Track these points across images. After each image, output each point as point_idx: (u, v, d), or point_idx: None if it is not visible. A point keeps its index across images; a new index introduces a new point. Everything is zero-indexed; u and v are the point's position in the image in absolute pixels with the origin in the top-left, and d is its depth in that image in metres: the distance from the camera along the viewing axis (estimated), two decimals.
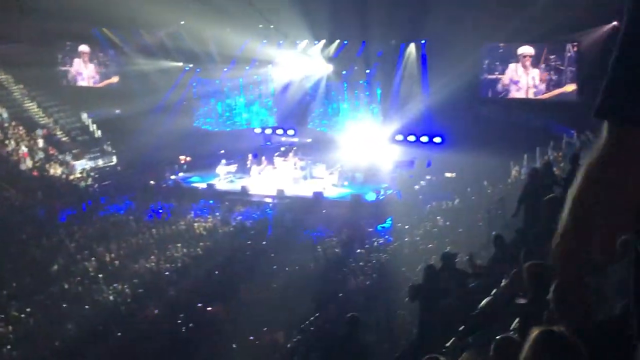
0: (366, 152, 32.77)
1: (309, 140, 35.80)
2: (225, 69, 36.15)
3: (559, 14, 24.55)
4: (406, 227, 25.76)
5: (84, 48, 38.93)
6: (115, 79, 38.52)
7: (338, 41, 33.32)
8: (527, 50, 29.21)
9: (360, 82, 33.53)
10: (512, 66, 29.64)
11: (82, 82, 39.32)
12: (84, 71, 39.33)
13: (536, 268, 3.95)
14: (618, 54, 1.63)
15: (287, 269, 22.05)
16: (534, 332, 2.81)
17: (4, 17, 34.19)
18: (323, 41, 33.72)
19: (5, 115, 36.50)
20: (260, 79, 35.99)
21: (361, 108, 33.79)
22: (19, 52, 34.64)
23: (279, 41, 34.80)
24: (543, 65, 29.02)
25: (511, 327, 6.94)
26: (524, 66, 29.38)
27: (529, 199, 11.80)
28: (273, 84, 35.98)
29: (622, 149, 1.62)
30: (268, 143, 36.84)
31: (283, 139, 36.61)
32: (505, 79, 29.91)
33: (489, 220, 19.83)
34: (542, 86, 29.20)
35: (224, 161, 33.65)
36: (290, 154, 33.16)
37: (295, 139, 36.10)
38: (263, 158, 33.55)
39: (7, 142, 34.85)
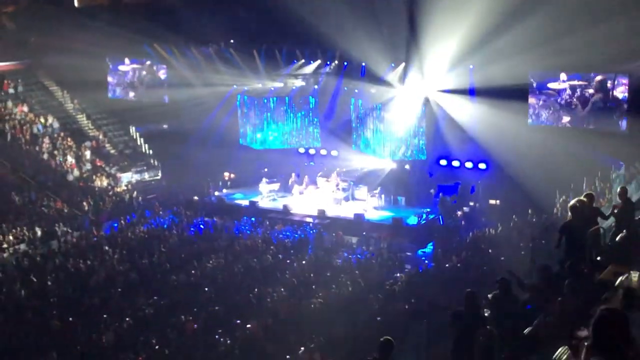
0: (410, 175, 32.62)
1: (353, 162, 35.77)
2: (272, 88, 36.41)
3: (611, 43, 24.24)
4: (447, 252, 25.52)
5: (135, 63, 39.52)
6: (164, 95, 38.99)
7: (385, 64, 33.26)
8: (577, 78, 28.88)
9: (407, 105, 33.39)
10: (563, 95, 29.29)
11: (132, 97, 39.89)
12: (134, 86, 39.92)
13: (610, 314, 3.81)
14: None
15: (325, 290, 21.97)
16: None
17: (57, 29, 35.01)
18: (370, 62, 33.69)
19: (56, 125, 37.25)
20: (307, 99, 36.13)
21: (406, 131, 33.63)
22: (71, 64, 35.35)
23: (326, 62, 34.96)
24: (594, 95, 28.62)
25: (553, 358, 6.83)
26: (576, 95, 29.01)
27: (570, 231, 11.61)
28: (319, 104, 36.08)
29: None
30: (312, 163, 36.92)
31: (326, 159, 36.66)
32: (555, 107, 29.56)
33: (532, 250, 19.54)
34: (593, 117, 28.79)
35: (266, 179, 33.82)
36: (333, 175, 33.18)
37: (339, 160, 36.11)
38: (306, 177, 33.63)
39: (55, 152, 35.52)
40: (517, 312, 10.58)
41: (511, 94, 28.28)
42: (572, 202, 11.88)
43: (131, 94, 40.05)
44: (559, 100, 29.50)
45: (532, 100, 29.93)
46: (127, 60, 39.77)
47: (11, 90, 38.25)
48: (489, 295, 11.31)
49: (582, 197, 12.16)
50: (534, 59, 27.82)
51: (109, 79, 40.05)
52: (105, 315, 20.54)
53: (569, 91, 29.29)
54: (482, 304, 10.97)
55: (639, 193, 18.95)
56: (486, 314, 11.15)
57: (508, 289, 10.90)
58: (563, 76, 29.23)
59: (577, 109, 29.08)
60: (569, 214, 11.96)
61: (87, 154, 36.35)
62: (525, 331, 8.68)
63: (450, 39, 28.63)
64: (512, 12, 25.67)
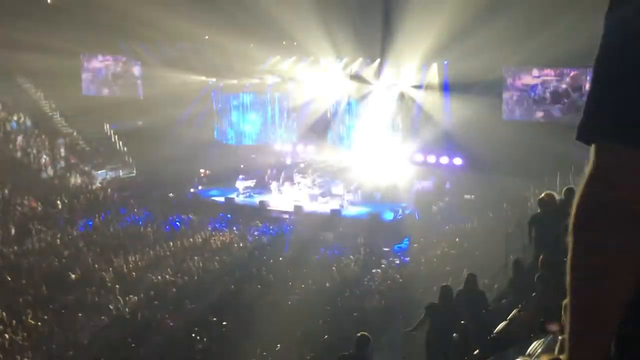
0: (385, 171, 32.71)
1: (329, 157, 35.83)
2: (247, 84, 36.32)
3: (581, 37, 24.43)
4: (423, 247, 25.67)
5: (109, 59, 39.21)
6: (138, 91, 38.77)
7: (360, 59, 33.38)
8: (550, 73, 29.09)
9: (382, 100, 33.49)
10: (537, 90, 29.50)
11: (106, 93, 39.58)
12: (108, 82, 39.61)
13: None
14: (595, 71, 1.55)
15: (302, 285, 22.01)
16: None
17: (29, 25, 34.64)
18: (345, 59, 33.81)
19: (28, 123, 36.90)
20: (282, 95, 36.11)
21: (382, 127, 33.72)
22: (44, 61, 35.03)
23: (301, 58, 34.99)
24: (566, 89, 28.87)
25: (527, 352, 6.90)
26: (549, 90, 29.24)
27: (540, 225, 11.69)
28: (294, 100, 36.09)
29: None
30: (287, 159, 36.91)
31: (302, 155, 36.67)
32: (528, 100, 29.79)
33: (507, 244, 19.68)
34: (565, 110, 29.04)
35: (242, 176, 33.75)
36: (309, 171, 33.17)
37: (315, 156, 36.15)
38: (282, 174, 33.60)
39: (29, 150, 35.19)
40: (485, 307, 10.69)
41: (485, 89, 28.49)
42: (541, 195, 11.97)
43: (105, 91, 39.74)
44: (532, 95, 29.74)
45: (506, 95, 30.15)
46: (100, 57, 39.48)
47: None
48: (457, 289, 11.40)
49: (550, 192, 12.21)
50: (508, 54, 28.05)
51: (83, 75, 39.72)
52: (80, 314, 20.40)
53: (541, 86, 29.53)
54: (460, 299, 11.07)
55: None
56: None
57: (474, 285, 11.01)
58: (535, 71, 29.47)
59: (550, 104, 29.34)
60: (538, 207, 12.07)
61: (62, 151, 36.04)
62: (500, 326, 8.76)
63: (424, 34, 28.76)
64: (487, 7, 25.81)
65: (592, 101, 1.53)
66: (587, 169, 1.55)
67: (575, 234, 1.50)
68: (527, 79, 29.84)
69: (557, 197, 11.74)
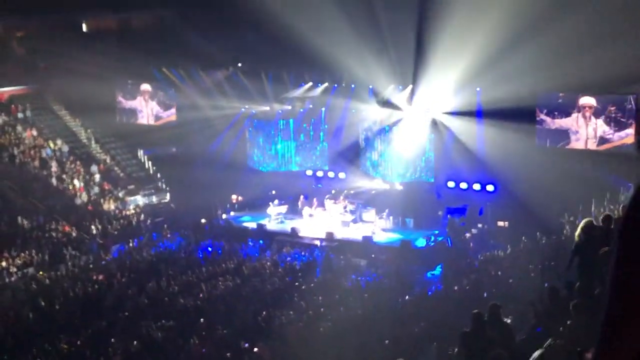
0: (417, 197, 32.56)
1: (360, 184, 35.79)
2: (279, 111, 36.53)
3: (619, 65, 24.26)
4: (456, 275, 25.43)
5: (145, 87, 39.65)
6: (173, 118, 39.16)
7: (392, 85, 33.39)
8: (588, 101, 28.84)
9: (414, 127, 33.41)
10: (573, 116, 29.27)
11: (141, 120, 40.03)
12: (143, 109, 40.04)
13: None
14: None
15: (334, 312, 21.88)
16: None
17: (65, 54, 35.28)
18: (378, 85, 33.82)
19: (64, 149, 37.40)
20: (315, 122, 36.23)
21: (414, 153, 33.61)
22: (79, 88, 35.63)
23: (334, 84, 35.14)
24: (603, 117, 28.61)
25: None
26: (585, 117, 28.99)
27: (583, 252, 11.53)
28: (326, 127, 36.18)
29: None
30: (319, 185, 36.94)
31: (334, 181, 36.67)
32: (565, 128, 29.54)
33: (543, 272, 19.47)
34: (602, 137, 28.75)
35: (275, 202, 33.83)
36: (341, 197, 33.15)
37: (347, 182, 36.13)
38: (314, 200, 33.61)
39: (64, 176, 35.65)
40: (503, 338, 10.51)
41: (518, 116, 28.33)
42: (583, 222, 11.79)
43: (140, 118, 40.19)
44: (567, 121, 29.50)
45: (539, 121, 29.96)
46: (140, 85, 39.89)
47: (20, 115, 38.46)
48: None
49: (591, 219, 12.05)
50: (542, 80, 27.89)
51: (118, 102, 40.23)
52: (113, 339, 20.49)
53: (577, 112, 29.28)
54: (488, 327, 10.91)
55: None
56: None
57: (497, 315, 10.86)
58: (569, 97, 29.29)
59: (588, 130, 29.05)
60: (580, 234, 11.88)
61: (96, 177, 36.46)
62: (535, 354, 8.60)
63: (457, 61, 28.75)
64: (519, 33, 25.76)
65: None
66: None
67: (618, 241, 1.48)
68: (560, 103, 29.61)
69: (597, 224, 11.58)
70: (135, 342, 20.12)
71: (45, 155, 36.71)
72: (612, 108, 28.41)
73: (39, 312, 23.05)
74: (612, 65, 24.35)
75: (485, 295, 21.47)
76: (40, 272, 27.66)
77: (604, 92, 28.43)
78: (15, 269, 27.75)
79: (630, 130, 28.01)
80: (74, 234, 31.71)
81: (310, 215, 32.88)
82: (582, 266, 11.41)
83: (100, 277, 26.44)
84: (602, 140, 28.72)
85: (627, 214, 1.50)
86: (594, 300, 9.17)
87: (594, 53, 24.68)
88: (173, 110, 39.15)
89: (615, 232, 1.52)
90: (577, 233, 11.68)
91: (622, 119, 28.21)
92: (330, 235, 30.67)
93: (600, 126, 28.70)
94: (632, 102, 27.81)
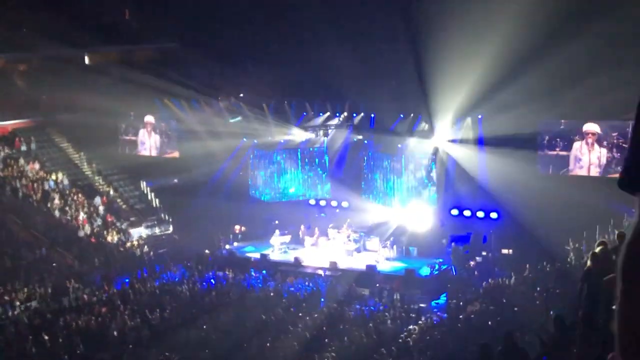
0: (421, 226, 32.50)
1: (363, 212, 35.77)
2: (282, 141, 36.61)
3: (620, 91, 24.31)
4: (460, 303, 25.31)
5: (148, 119, 39.80)
6: (176, 154, 39.24)
7: (395, 114, 33.51)
8: (592, 127, 28.86)
9: (416, 155, 33.45)
10: (576, 143, 29.29)
11: (143, 152, 40.13)
12: (146, 141, 40.17)
13: None
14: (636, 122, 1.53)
15: (338, 342, 21.76)
16: None
17: (67, 87, 35.47)
18: (380, 114, 33.95)
19: (66, 182, 37.44)
20: (316, 151, 36.30)
21: (417, 181, 33.63)
22: (81, 120, 35.72)
23: (335, 113, 35.27)
24: (606, 144, 28.63)
25: None
26: (587, 144, 29.01)
27: (592, 280, 11.46)
28: (328, 156, 36.24)
29: None
30: (323, 214, 36.89)
31: (337, 210, 36.64)
32: (568, 155, 29.56)
33: (547, 299, 19.38)
34: (605, 164, 28.74)
35: (277, 232, 33.77)
36: (344, 226, 33.10)
37: (349, 211, 36.12)
38: (316, 229, 33.55)
39: (67, 208, 35.65)
40: None
41: (520, 143, 28.38)
42: (595, 249, 11.75)
43: (142, 150, 40.28)
44: (568, 148, 29.53)
45: (541, 148, 30.01)
46: (144, 117, 40.00)
47: (23, 148, 38.56)
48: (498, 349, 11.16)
49: (601, 246, 11.99)
50: (543, 107, 27.99)
51: (120, 134, 40.35)
52: None
53: (580, 139, 29.31)
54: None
55: None
56: None
57: (514, 343, 10.79)
58: (570, 124, 29.36)
59: (591, 157, 29.05)
60: (589, 262, 11.83)
61: (100, 209, 36.45)
62: None
63: (458, 89, 28.87)
64: (520, 61, 25.88)
65: (633, 152, 1.50)
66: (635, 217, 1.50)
67: (621, 282, 1.46)
68: (561, 130, 29.69)
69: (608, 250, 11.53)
70: None
71: (47, 187, 36.74)
72: (615, 134, 28.44)
73: (41, 346, 22.90)
74: (614, 91, 24.40)
75: (490, 323, 21.37)
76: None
77: (606, 119, 28.46)
78: (18, 303, 27.63)
79: None
80: (76, 267, 31.62)
81: (313, 245, 32.80)
82: (589, 294, 11.36)
83: (104, 309, 26.31)
84: (606, 167, 28.70)
85: (629, 249, 1.49)
86: (599, 330, 9.10)
87: (594, 80, 24.77)
88: (176, 142, 39.25)
89: (618, 268, 1.51)
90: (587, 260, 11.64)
91: (624, 145, 28.21)
92: (333, 265, 30.57)
93: (603, 154, 28.71)
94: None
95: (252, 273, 30.72)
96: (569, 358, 9.37)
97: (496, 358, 10.84)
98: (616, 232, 22.64)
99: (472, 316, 23.26)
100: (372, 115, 34.07)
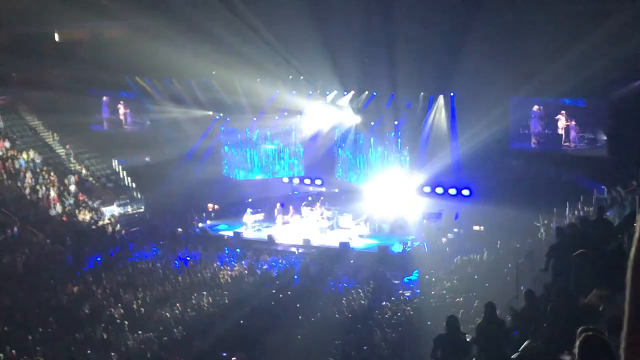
0: (393, 203, 32.67)
1: (336, 190, 35.86)
2: (254, 119, 36.52)
3: (590, 69, 24.53)
4: (433, 279, 25.54)
5: (117, 96, 39.50)
6: (147, 127, 39.01)
7: (367, 92, 33.57)
8: (565, 105, 29.11)
9: (389, 133, 33.58)
10: (545, 120, 29.53)
11: (114, 130, 39.82)
12: (116, 119, 39.88)
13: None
14: None
15: (312, 319, 21.89)
16: None
17: (38, 64, 35.01)
18: (352, 92, 33.99)
19: (38, 160, 37.06)
20: (289, 129, 36.28)
21: (389, 159, 33.80)
22: (52, 98, 35.29)
23: (308, 92, 35.17)
24: (576, 120, 28.88)
25: None
26: (559, 120, 29.25)
27: (559, 254, 11.64)
28: (302, 134, 36.24)
29: None
30: (295, 192, 36.94)
31: (310, 188, 36.73)
32: (537, 132, 29.80)
33: (518, 275, 19.57)
34: (576, 142, 29.02)
35: (250, 210, 33.75)
36: (317, 204, 33.17)
37: (323, 189, 36.20)
38: (290, 207, 33.61)
39: (37, 187, 35.31)
40: (503, 337, 10.59)
41: (492, 120, 28.55)
42: (560, 225, 11.94)
43: (113, 127, 39.99)
44: (539, 125, 29.77)
45: (512, 125, 30.22)
46: (108, 93, 39.73)
47: None
48: (476, 320, 11.31)
49: (571, 222, 12.19)
50: (515, 85, 28.14)
51: (90, 112, 39.95)
52: (89, 351, 20.31)
53: (548, 117, 29.56)
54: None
55: (620, 218, 19.05)
56: (468, 339, 11.18)
57: (493, 314, 10.93)
58: (538, 102, 29.56)
59: (560, 133, 29.33)
60: (556, 236, 12.00)
61: (72, 188, 36.13)
62: (512, 357, 8.66)
63: (431, 66, 28.97)
64: (493, 39, 26.02)
65: None
66: None
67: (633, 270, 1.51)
68: (534, 108, 29.87)
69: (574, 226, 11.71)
70: (112, 354, 19.96)
71: (18, 166, 36.34)
72: (585, 112, 28.72)
73: (14, 324, 22.78)
74: (584, 70, 24.63)
75: (461, 299, 21.60)
76: None
77: (576, 96, 28.70)
78: None
79: (602, 135, 28.30)
80: (48, 246, 31.41)
81: (286, 223, 32.87)
82: (557, 268, 11.53)
83: (76, 288, 26.21)
84: (575, 143, 28.99)
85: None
86: (570, 303, 9.24)
87: (567, 57, 24.96)
88: (146, 119, 39.03)
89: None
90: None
91: (593, 122, 28.53)
92: (307, 242, 30.66)
93: (573, 130, 28.99)
94: (604, 106, 28.12)
95: (226, 251, 30.73)
96: (539, 331, 9.51)
97: (477, 329, 10.98)
98: (592, 207, 23.00)
99: (444, 292, 23.50)
100: (345, 92, 34.12)
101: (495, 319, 10.93)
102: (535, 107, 29.76)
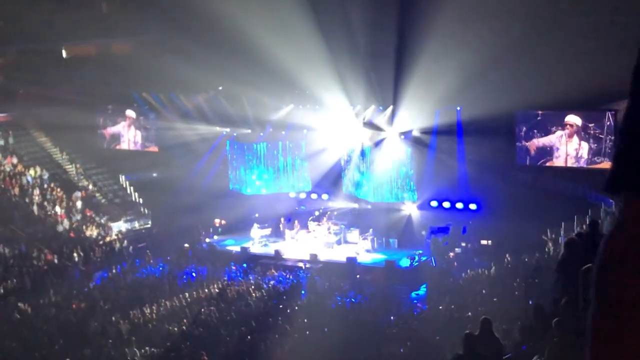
0: (400, 217, 32.61)
1: (343, 205, 35.81)
2: (261, 134, 36.55)
3: (596, 81, 24.48)
4: (440, 294, 25.45)
5: (128, 112, 39.48)
6: (155, 148, 38.96)
7: (373, 106, 33.55)
8: (572, 119, 28.93)
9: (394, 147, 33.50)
10: (555, 134, 29.40)
11: (123, 146, 39.86)
12: (125, 135, 39.89)
13: None
14: (623, 125, 1.53)
15: (319, 334, 21.81)
16: None
17: (45, 79, 35.15)
18: (359, 106, 33.97)
19: (45, 176, 37.14)
20: (296, 144, 36.29)
21: (394, 173, 33.70)
22: (60, 114, 35.39)
23: (315, 106, 35.19)
24: (583, 134, 28.79)
25: None
26: (566, 135, 29.13)
27: (567, 269, 11.55)
28: (308, 149, 36.22)
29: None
30: (302, 207, 36.89)
31: (317, 203, 36.66)
32: (545, 146, 29.70)
33: (527, 289, 19.53)
34: (582, 155, 28.90)
35: (257, 225, 33.72)
36: (324, 219, 33.12)
37: (330, 204, 36.14)
38: (296, 222, 33.56)
39: (45, 203, 35.37)
40: (497, 353, 10.50)
41: (499, 134, 28.52)
42: (569, 238, 11.85)
43: (120, 143, 40.04)
44: (548, 139, 29.69)
45: (518, 139, 30.14)
46: (121, 110, 39.71)
47: (0, 142, 38.18)
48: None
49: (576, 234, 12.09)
50: (521, 98, 28.09)
51: (99, 128, 40.01)
52: None
53: (560, 130, 29.45)
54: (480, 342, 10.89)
55: None
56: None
57: (489, 330, 10.85)
58: (548, 114, 29.47)
59: (568, 148, 29.23)
60: (564, 250, 11.92)
61: (78, 204, 36.18)
62: None
63: (437, 80, 28.94)
64: (499, 52, 26.00)
65: (620, 154, 1.50)
66: (616, 216, 1.51)
67: (596, 275, 1.48)
68: (540, 120, 29.81)
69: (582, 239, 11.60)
70: None
71: (25, 182, 36.43)
72: (592, 125, 28.62)
73: (21, 341, 22.77)
74: (590, 82, 24.58)
75: (470, 314, 21.51)
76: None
77: (583, 109, 28.62)
78: None
79: (610, 147, 28.18)
80: (56, 262, 31.41)
81: (293, 238, 32.82)
82: (565, 283, 11.44)
83: (83, 304, 26.20)
84: (584, 159, 28.85)
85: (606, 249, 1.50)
86: (577, 318, 9.17)
87: (572, 70, 24.93)
88: (153, 135, 39.04)
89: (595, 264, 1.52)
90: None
91: (601, 136, 28.44)
92: (314, 257, 30.60)
93: (583, 146, 28.83)
94: (611, 119, 28.03)
95: (232, 266, 30.69)
96: (547, 347, 9.44)
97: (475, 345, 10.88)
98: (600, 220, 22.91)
99: (452, 307, 23.41)
100: (353, 107, 34.12)
101: (492, 337, 10.85)
102: (540, 119, 29.69)
